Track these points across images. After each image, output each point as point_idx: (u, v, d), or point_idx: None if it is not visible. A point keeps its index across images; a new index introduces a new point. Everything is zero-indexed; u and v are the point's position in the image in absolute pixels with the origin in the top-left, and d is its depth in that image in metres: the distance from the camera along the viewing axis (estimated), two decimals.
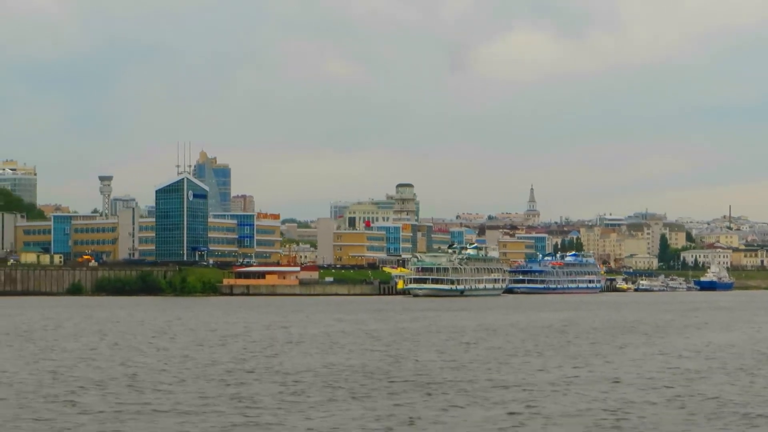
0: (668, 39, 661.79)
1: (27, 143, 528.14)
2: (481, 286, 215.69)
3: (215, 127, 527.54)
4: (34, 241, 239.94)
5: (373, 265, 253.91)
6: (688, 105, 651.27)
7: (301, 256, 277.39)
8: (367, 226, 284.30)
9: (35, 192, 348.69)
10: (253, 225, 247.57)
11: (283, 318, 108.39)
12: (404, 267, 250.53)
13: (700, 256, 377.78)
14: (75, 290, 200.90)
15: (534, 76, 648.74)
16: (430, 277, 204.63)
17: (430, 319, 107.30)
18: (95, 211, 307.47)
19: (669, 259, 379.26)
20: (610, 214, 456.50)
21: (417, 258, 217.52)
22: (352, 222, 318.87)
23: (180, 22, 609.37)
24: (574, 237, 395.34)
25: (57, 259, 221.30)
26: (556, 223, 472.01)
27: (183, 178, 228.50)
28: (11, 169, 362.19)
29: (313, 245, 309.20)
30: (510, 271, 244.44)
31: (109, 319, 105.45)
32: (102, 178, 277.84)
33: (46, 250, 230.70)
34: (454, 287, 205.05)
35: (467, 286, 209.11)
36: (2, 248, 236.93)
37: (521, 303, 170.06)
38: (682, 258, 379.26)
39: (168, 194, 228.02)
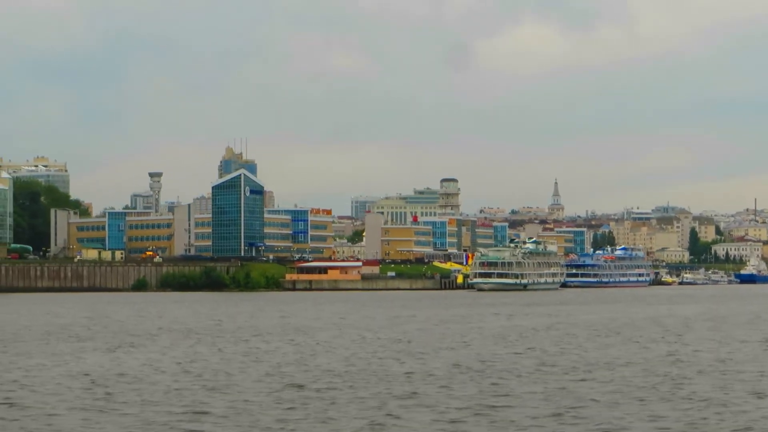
0: (679, 31, 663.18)
1: (31, 138, 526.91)
2: (542, 280, 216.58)
3: (221, 121, 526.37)
4: (88, 238, 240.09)
5: (420, 260, 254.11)
6: (698, 98, 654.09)
7: (338, 251, 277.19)
8: (414, 221, 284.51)
9: (68, 188, 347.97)
10: (308, 220, 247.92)
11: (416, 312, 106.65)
12: (452, 261, 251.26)
13: (731, 249, 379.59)
14: (140, 286, 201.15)
15: (541, 70, 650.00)
16: (495, 271, 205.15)
17: (571, 315, 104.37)
18: (126, 207, 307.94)
19: (700, 253, 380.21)
20: (638, 208, 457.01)
21: (480, 252, 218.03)
22: None
23: (186, 16, 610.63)
24: (606, 231, 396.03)
25: (118, 255, 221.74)
26: (581, 216, 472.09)
27: (240, 174, 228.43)
28: (44, 166, 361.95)
29: (348, 240, 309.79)
30: (564, 265, 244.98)
31: (293, 314, 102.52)
32: (152, 175, 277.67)
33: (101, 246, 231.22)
34: (518, 281, 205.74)
35: (530, 280, 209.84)
36: (55, 245, 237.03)
37: (608, 296, 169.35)
38: (713, 251, 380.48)
39: (224, 190, 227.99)
